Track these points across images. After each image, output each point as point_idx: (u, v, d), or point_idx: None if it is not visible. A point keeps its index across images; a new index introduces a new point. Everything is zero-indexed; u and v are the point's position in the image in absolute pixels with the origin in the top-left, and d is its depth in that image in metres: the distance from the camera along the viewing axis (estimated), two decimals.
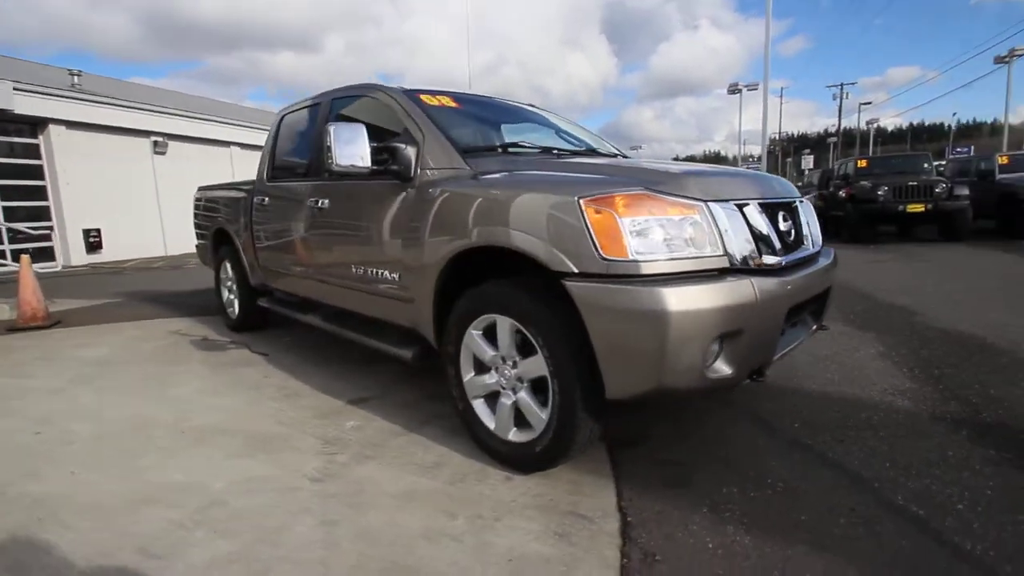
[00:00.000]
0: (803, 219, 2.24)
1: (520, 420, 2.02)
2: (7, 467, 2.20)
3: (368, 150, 2.31)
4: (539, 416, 1.90)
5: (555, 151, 2.67)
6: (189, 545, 1.65)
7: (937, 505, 1.75)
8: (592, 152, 2.86)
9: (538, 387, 1.95)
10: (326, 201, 2.89)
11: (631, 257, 1.61)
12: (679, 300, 1.55)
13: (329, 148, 2.28)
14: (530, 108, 3.37)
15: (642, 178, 1.79)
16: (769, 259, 1.82)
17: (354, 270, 2.72)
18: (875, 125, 44.11)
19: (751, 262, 1.75)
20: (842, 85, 38.49)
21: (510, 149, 2.53)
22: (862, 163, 10.77)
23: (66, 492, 1.99)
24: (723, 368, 1.66)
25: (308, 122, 3.31)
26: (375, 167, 2.34)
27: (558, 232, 1.72)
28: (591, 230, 1.65)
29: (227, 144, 15.75)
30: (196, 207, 4.88)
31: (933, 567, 1.47)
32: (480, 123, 2.76)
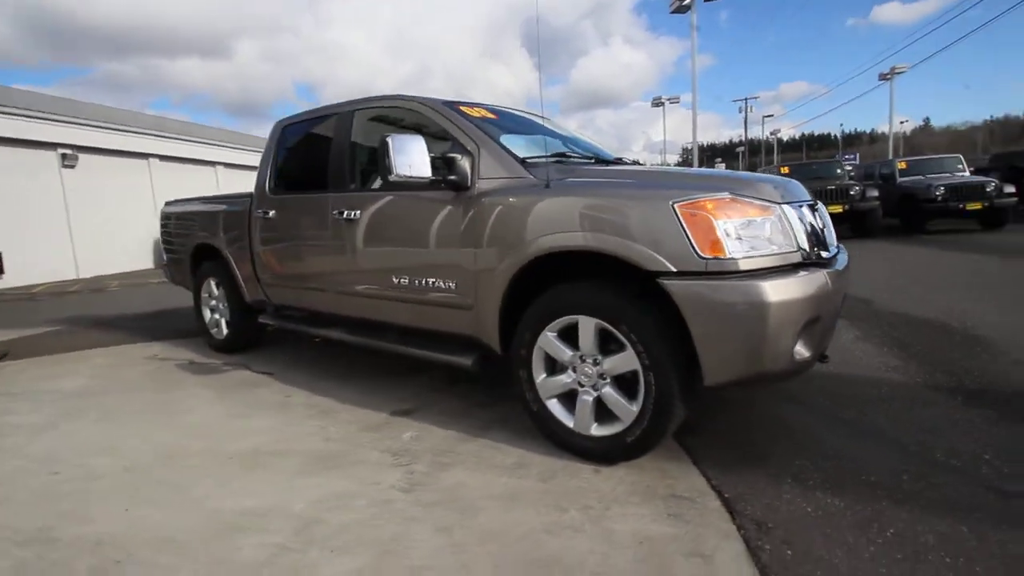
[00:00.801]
0: (824, 219, 2.51)
1: (600, 415, 2.11)
2: (38, 511, 1.97)
3: (428, 160, 2.32)
4: (628, 409, 2.00)
5: (595, 160, 2.80)
6: (311, 566, 1.59)
7: (969, 458, 2.04)
8: (620, 161, 3.03)
9: (621, 382, 2.05)
10: (356, 212, 2.84)
11: (729, 255, 1.76)
12: (777, 291, 1.72)
13: (388, 157, 2.27)
14: (539, 119, 3.48)
15: (720, 184, 1.96)
16: (824, 253, 2.05)
17: (395, 280, 2.69)
18: (777, 135, 48.46)
19: (814, 256, 1.96)
20: (747, 99, 42.00)
21: (560, 159, 2.63)
22: (784, 169, 11.86)
23: (126, 530, 1.83)
24: (804, 352, 1.85)
25: (323, 133, 3.23)
26: (432, 177, 2.36)
27: (653, 234, 1.84)
28: (688, 232, 1.79)
29: (145, 156, 14.57)
30: (166, 223, 4.54)
31: (991, 505, 1.73)
32: (518, 133, 2.84)
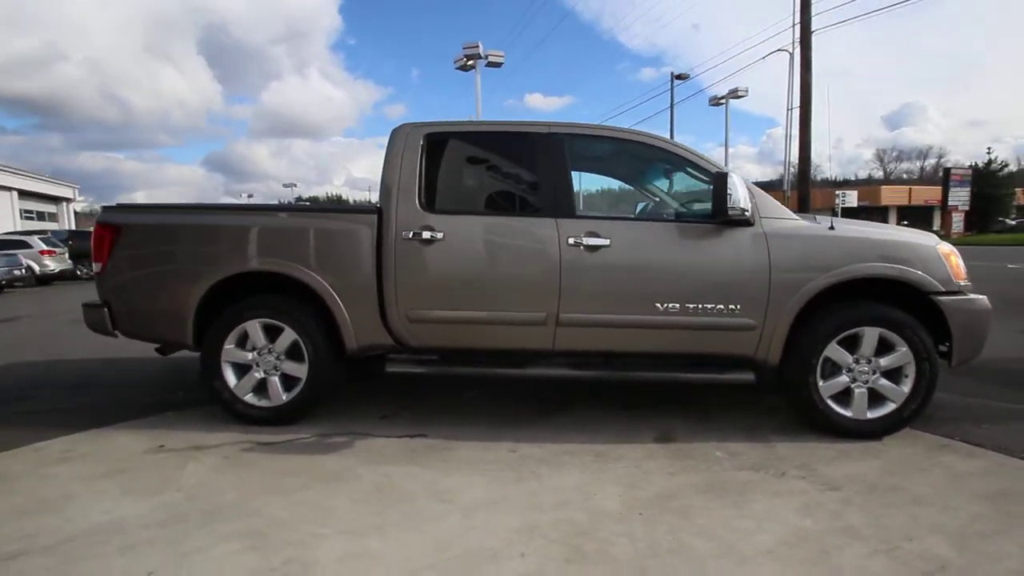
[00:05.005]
0: None
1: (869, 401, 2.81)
2: None
3: (748, 198, 2.65)
4: (901, 392, 2.76)
5: None
6: None
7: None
8: None
9: (886, 374, 2.81)
10: (606, 240, 2.78)
11: (966, 280, 2.79)
12: (989, 303, 2.83)
13: (731, 193, 2.54)
14: None
15: (928, 234, 3.00)
16: None
17: (660, 307, 2.77)
18: None
19: None
20: None
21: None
22: None
23: None
24: None
25: (517, 152, 2.98)
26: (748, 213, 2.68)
27: (930, 267, 2.72)
28: (947, 265, 2.75)
29: None
30: (122, 236, 2.90)
31: None
32: None
